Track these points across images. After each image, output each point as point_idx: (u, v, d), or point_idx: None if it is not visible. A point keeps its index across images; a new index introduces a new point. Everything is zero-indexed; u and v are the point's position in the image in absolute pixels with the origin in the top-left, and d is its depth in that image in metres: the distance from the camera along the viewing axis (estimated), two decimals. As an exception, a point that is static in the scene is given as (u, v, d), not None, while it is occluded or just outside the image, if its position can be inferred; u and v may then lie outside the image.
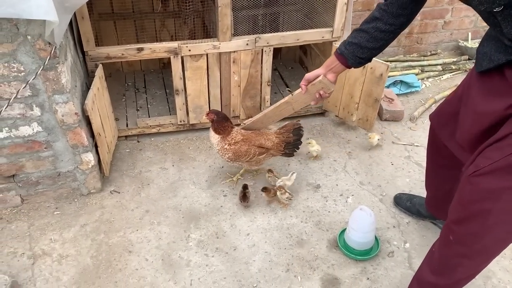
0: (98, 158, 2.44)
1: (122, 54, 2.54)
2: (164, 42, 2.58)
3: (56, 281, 2.02)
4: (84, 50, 2.47)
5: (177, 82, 2.71)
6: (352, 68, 1.72)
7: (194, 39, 2.70)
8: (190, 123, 2.92)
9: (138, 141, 2.91)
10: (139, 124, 2.87)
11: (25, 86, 1.90)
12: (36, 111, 2.09)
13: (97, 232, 2.26)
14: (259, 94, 2.91)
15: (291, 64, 3.62)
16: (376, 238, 2.20)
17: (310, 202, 2.47)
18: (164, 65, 3.54)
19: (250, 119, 2.52)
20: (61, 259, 2.12)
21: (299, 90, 2.00)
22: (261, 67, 2.78)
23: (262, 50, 2.70)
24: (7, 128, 2.11)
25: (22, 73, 1.96)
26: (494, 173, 1.31)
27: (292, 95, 2.12)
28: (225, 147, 2.39)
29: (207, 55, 2.64)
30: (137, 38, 3.23)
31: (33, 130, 2.15)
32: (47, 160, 2.28)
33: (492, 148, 1.34)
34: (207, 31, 3.07)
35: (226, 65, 2.72)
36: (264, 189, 2.40)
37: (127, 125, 2.89)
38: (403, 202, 2.38)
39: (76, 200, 2.45)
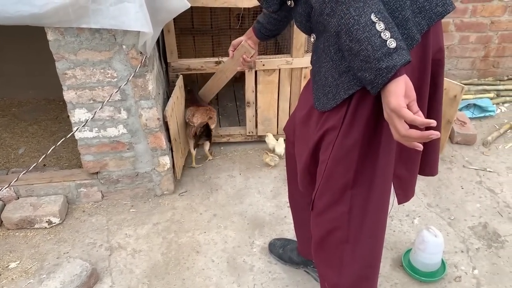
0: (173, 162, 2.60)
1: (202, 67, 2.71)
2: (240, 56, 2.71)
3: (130, 273, 2.17)
4: (168, 61, 2.67)
5: (249, 95, 2.83)
6: (263, 41, 1.85)
7: (266, 54, 2.83)
8: (258, 134, 3.03)
9: (209, 149, 3.06)
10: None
11: (117, 91, 2.09)
12: (123, 114, 2.29)
13: (168, 231, 2.40)
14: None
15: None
16: (443, 261, 2.15)
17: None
18: (235, 79, 3.69)
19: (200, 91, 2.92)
20: (134, 253, 2.28)
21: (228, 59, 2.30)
22: (331, 84, 2.83)
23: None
24: (96, 129, 2.32)
25: (115, 79, 2.16)
26: None
27: (223, 62, 2.51)
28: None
29: (279, 70, 2.75)
30: (213, 52, 3.41)
31: (119, 131, 2.35)
32: (128, 160, 2.46)
33: None
34: (279, 47, 3.18)
35: (296, 80, 2.81)
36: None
37: (199, 134, 3.04)
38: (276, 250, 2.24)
39: (150, 200, 2.62)
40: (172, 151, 2.56)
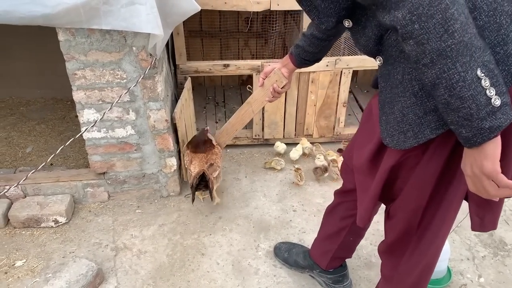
0: (179, 163, 2.61)
1: (210, 69, 2.72)
2: (248, 60, 2.73)
3: (135, 274, 2.17)
4: (176, 63, 2.68)
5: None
6: (301, 67, 1.75)
7: (274, 58, 2.83)
8: (265, 137, 3.03)
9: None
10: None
11: (127, 92, 2.10)
12: (132, 116, 2.30)
13: (173, 233, 2.41)
14: (334, 115, 2.96)
15: (366, 88, 3.64)
16: (448, 268, 2.14)
17: (381, 226, 2.43)
18: (242, 81, 3.71)
19: (220, 129, 2.59)
20: (140, 254, 2.28)
21: (258, 88, 2.05)
22: (339, 89, 2.84)
23: (341, 72, 2.77)
24: (104, 129, 2.33)
25: (124, 80, 2.17)
26: None
27: (251, 91, 2.13)
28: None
29: (287, 74, 2.75)
30: (221, 55, 3.42)
31: (126, 132, 2.36)
32: (135, 161, 2.47)
33: None
34: (286, 51, 3.19)
35: (304, 84, 2.81)
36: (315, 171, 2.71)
37: (206, 136, 3.05)
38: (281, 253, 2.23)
39: (156, 201, 2.63)
40: (179, 153, 2.57)
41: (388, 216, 1.47)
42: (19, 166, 2.84)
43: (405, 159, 1.22)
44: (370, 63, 2.77)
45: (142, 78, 2.10)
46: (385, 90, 1.20)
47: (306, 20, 2.57)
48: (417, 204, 1.31)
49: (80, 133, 2.02)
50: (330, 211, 1.89)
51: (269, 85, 1.83)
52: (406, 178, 1.27)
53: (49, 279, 2.08)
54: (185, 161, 2.47)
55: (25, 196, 2.50)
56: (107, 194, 2.58)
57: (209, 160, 2.41)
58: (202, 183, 2.35)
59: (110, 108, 2.05)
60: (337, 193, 1.85)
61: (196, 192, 2.44)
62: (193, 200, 2.40)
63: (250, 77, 3.54)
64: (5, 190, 1.93)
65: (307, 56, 1.61)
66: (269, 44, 3.41)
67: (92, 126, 2.10)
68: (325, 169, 2.73)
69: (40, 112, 3.50)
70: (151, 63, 2.11)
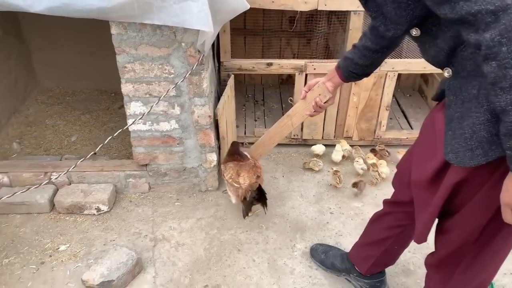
0: (219, 159, 2.64)
1: (253, 67, 2.73)
2: (291, 60, 2.73)
3: (172, 265, 2.21)
4: (220, 60, 2.71)
5: (297, 98, 2.83)
6: (349, 81, 1.68)
7: (315, 58, 2.82)
8: (303, 138, 3.02)
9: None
10: (256, 133, 3.03)
11: (174, 87, 2.14)
12: (177, 110, 2.34)
13: (211, 227, 2.44)
14: (376, 118, 2.92)
15: (409, 92, 3.57)
16: (491, 283, 2.07)
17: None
18: (282, 81, 3.71)
19: (257, 141, 2.51)
20: (178, 246, 2.32)
21: (300, 101, 1.96)
22: (382, 91, 2.80)
23: (386, 74, 2.72)
24: (150, 122, 2.38)
25: (172, 75, 2.21)
26: None
27: (293, 103, 2.01)
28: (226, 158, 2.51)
29: (330, 74, 2.73)
30: (263, 53, 3.44)
31: (170, 126, 2.40)
32: (177, 155, 2.52)
33: None
34: (329, 52, 3.17)
35: (347, 85, 2.79)
36: (354, 184, 2.61)
37: (245, 133, 3.07)
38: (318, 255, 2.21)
39: (194, 195, 2.67)
40: (219, 149, 2.60)
41: (441, 230, 1.43)
42: (65, 154, 2.94)
43: (471, 176, 1.18)
44: (416, 67, 2.72)
45: (189, 73, 2.13)
46: (455, 104, 1.16)
47: (353, 21, 2.55)
48: (478, 222, 1.26)
49: (128, 125, 2.08)
50: (377, 219, 1.86)
51: (312, 98, 1.77)
52: (470, 195, 1.22)
53: (91, 265, 2.15)
54: (230, 175, 2.37)
55: (70, 183, 2.59)
56: (148, 185, 2.64)
57: (255, 172, 2.38)
58: (255, 196, 2.28)
59: (158, 102, 2.09)
60: (387, 202, 1.82)
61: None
62: (247, 214, 2.35)
63: (290, 76, 3.55)
64: (56, 177, 2.01)
65: (356, 69, 1.56)
66: (311, 44, 3.40)
67: (140, 119, 2.15)
68: (364, 185, 2.65)
69: (85, 102, 3.61)
70: (199, 60, 2.14)
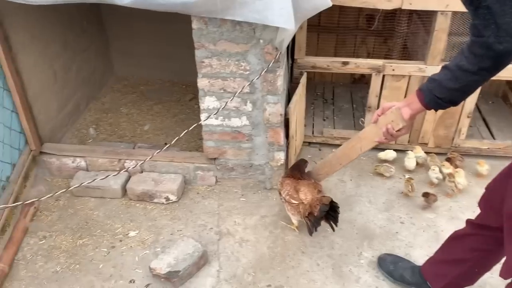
0: (286, 158, 2.60)
1: (328, 66, 2.66)
2: (369, 59, 2.63)
3: (236, 261, 2.22)
4: (294, 57, 2.66)
5: (372, 99, 2.73)
6: (431, 108, 1.43)
7: (390, 59, 2.69)
8: (374, 141, 2.91)
9: (320, 149, 3.02)
10: (324, 134, 2.96)
11: (250, 84, 2.13)
12: (248, 107, 2.33)
13: (274, 226, 2.42)
14: (456, 125, 2.74)
15: (491, 98, 3.33)
16: None
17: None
18: (354, 80, 3.60)
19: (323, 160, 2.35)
20: (242, 242, 2.33)
21: (371, 124, 1.74)
22: (465, 98, 2.61)
23: (471, 80, 2.54)
24: (221, 117, 2.39)
25: (247, 72, 2.21)
26: None
27: (363, 125, 1.85)
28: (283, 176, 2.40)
29: (409, 76, 2.60)
30: (336, 51, 3.35)
31: (241, 122, 2.40)
32: (245, 151, 2.52)
33: None
34: (407, 53, 3.02)
35: (426, 90, 2.64)
36: (425, 194, 2.46)
37: (312, 133, 3.01)
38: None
39: (259, 192, 2.65)
40: (287, 148, 2.57)
41: None
42: (137, 142, 3.05)
43: None
44: (504, 73, 2.50)
45: (265, 71, 2.11)
46: None
47: (439, 22, 2.39)
48: None
49: (203, 120, 2.10)
50: (458, 237, 1.74)
51: (384, 124, 1.58)
52: None
53: (158, 253, 2.21)
54: (286, 191, 2.27)
55: (142, 171, 2.67)
56: (215, 179, 2.66)
57: (316, 186, 2.27)
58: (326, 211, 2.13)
59: (232, 98, 2.09)
60: (471, 223, 1.70)
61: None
62: (315, 230, 2.16)
63: (363, 75, 3.43)
64: (131, 166, 2.08)
65: (443, 94, 1.34)
66: (388, 43, 3.26)
67: (214, 114, 2.16)
68: (434, 199, 2.49)
69: (158, 93, 3.71)
70: (276, 57, 2.11)
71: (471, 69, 1.27)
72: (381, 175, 2.75)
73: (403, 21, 2.75)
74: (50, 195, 2.02)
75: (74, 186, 2.23)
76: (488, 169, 2.68)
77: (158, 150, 2.02)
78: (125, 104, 3.55)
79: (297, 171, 2.37)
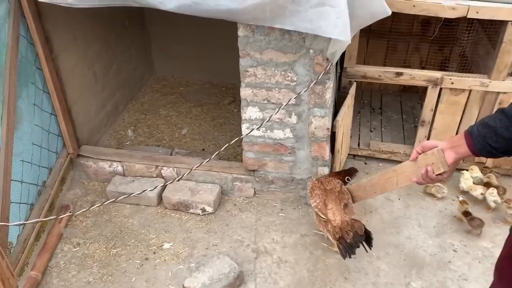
0: (330, 172, 2.44)
1: (379, 76, 2.47)
2: (426, 71, 2.44)
3: (274, 284, 2.09)
4: (344, 65, 2.49)
5: (426, 113, 2.52)
6: (481, 156, 1.24)
7: (447, 69, 2.47)
8: (425, 157, 2.70)
9: (366, 163, 2.84)
10: (371, 146, 2.78)
11: (297, 96, 1.99)
12: (293, 119, 2.19)
13: (315, 246, 2.27)
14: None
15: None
16: None
17: None
18: (404, 88, 3.37)
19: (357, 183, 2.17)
20: (280, 262, 2.20)
21: (409, 160, 1.56)
22: (532, 116, 2.37)
23: (540, 94, 2.30)
24: (264, 129, 2.26)
25: (294, 83, 2.06)
26: None
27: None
28: (313, 179, 2.29)
29: (470, 91, 2.38)
30: (386, 57, 3.14)
31: (284, 135, 2.26)
32: (287, 164, 2.38)
33: None
34: (465, 63, 2.77)
35: (488, 105, 2.41)
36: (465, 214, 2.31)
37: (358, 145, 2.83)
38: None
39: (300, 207, 2.51)
40: (332, 163, 2.41)
41: None
42: (175, 147, 2.97)
43: None
44: None
45: (315, 83, 1.96)
46: None
47: (509, 33, 2.16)
48: None
49: (246, 131, 1.98)
50: None
51: (423, 164, 1.43)
52: None
53: (192, 270, 2.12)
54: (316, 203, 2.14)
55: (179, 180, 2.58)
56: (253, 191, 2.54)
57: (342, 199, 2.12)
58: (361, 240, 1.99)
59: (278, 110, 1.95)
60: None
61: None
62: (348, 256, 1.97)
63: (414, 86, 3.21)
64: (177, 178, 2.01)
65: (497, 143, 1.17)
66: (444, 51, 3.03)
67: (258, 128, 2.04)
68: (482, 223, 2.27)
69: (197, 94, 3.62)
70: (326, 69, 1.95)
71: None
72: (432, 195, 2.54)
73: (464, 29, 2.52)
74: (85, 209, 1.98)
75: (109, 201, 2.15)
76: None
77: (197, 165, 1.92)
78: (164, 105, 3.48)
79: (342, 176, 2.27)
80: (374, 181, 2.00)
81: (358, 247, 1.98)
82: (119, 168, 2.62)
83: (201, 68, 3.71)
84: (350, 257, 1.97)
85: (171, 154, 2.81)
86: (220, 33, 3.33)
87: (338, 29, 1.70)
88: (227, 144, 1.93)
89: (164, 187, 2.54)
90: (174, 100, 3.55)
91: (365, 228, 2.00)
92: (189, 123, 3.25)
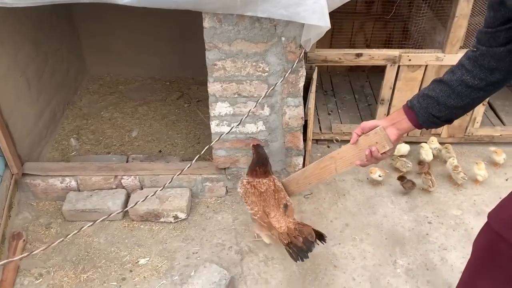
0: (304, 163, 2.40)
1: (339, 59, 2.45)
2: (384, 50, 2.45)
3: (265, 283, 2.01)
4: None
5: (385, 92, 2.56)
6: (422, 127, 1.30)
7: (390, 46, 2.52)
8: (385, 135, 2.76)
9: (328, 147, 2.83)
10: (333, 129, 2.78)
11: (273, 88, 1.89)
12: (266, 111, 2.10)
13: (299, 238, 2.22)
14: (470, 114, 2.63)
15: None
16: None
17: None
18: (351, 68, 3.41)
19: (290, 176, 2.17)
20: (267, 260, 2.12)
21: (348, 144, 1.54)
22: (483, 86, 2.50)
23: (490, 67, 2.42)
24: (235, 124, 2.14)
25: (266, 74, 1.96)
26: None
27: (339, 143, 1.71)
28: (243, 181, 2.06)
29: (426, 66, 2.45)
30: (332, 38, 3.14)
31: (257, 128, 2.16)
32: (260, 158, 2.28)
33: None
34: (408, 37, 2.85)
35: (438, 76, 2.49)
36: (400, 178, 2.44)
37: (320, 129, 2.82)
38: None
39: (275, 200, 2.44)
40: (305, 152, 2.36)
41: None
42: (128, 152, 2.74)
43: None
44: None
45: (290, 72, 1.87)
46: None
47: (461, 8, 2.23)
48: None
49: (226, 132, 1.85)
50: None
51: (365, 146, 1.41)
52: None
53: (177, 283, 1.97)
54: (254, 211, 1.97)
55: (142, 188, 2.39)
56: (226, 189, 2.43)
57: (280, 200, 1.99)
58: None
59: (256, 104, 1.84)
60: (477, 275, 1.50)
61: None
62: (300, 259, 1.85)
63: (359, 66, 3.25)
64: (152, 194, 1.80)
65: (441, 112, 1.20)
66: (387, 28, 3.10)
67: (237, 126, 1.92)
68: (411, 186, 2.42)
69: (140, 92, 3.37)
70: (300, 56, 1.88)
71: (476, 84, 1.14)
72: (397, 170, 2.61)
73: (406, 5, 2.58)
74: (61, 239, 1.72)
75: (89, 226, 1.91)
76: (505, 158, 2.60)
77: (178, 172, 1.76)
78: (105, 107, 3.20)
79: (263, 166, 2.05)
80: (308, 172, 1.96)
81: (311, 251, 1.86)
82: (73, 183, 2.35)
83: (140, 63, 3.45)
84: (302, 260, 1.86)
85: (127, 161, 2.58)
86: (158, 23, 3.12)
87: (317, 15, 1.62)
88: (208, 146, 1.80)
89: (128, 198, 2.34)
90: (116, 101, 3.27)
91: (315, 230, 1.89)
92: (138, 124, 3.02)
